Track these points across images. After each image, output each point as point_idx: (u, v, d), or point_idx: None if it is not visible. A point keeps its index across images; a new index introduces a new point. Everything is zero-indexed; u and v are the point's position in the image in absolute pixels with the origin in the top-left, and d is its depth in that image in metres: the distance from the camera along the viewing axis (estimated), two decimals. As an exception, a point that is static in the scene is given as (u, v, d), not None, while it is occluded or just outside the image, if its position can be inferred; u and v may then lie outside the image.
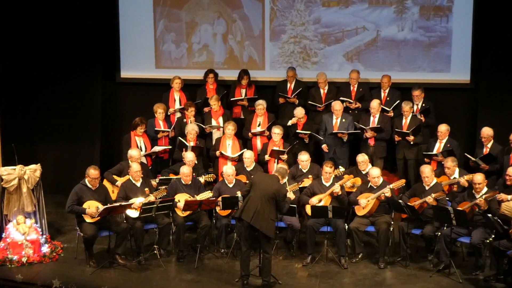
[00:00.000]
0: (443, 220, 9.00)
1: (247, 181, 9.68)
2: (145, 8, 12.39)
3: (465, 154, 10.32)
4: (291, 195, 9.52)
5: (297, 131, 10.99)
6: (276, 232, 9.74)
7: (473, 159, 10.11)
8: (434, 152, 10.39)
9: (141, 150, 10.82)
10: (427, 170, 9.47)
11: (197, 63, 12.45)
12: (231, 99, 11.70)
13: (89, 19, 12.10)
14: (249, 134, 11.18)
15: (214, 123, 11.27)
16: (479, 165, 9.99)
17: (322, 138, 11.00)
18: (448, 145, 10.36)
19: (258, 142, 11.17)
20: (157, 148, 10.97)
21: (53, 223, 10.56)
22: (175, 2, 12.34)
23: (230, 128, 10.76)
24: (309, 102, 11.48)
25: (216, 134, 11.28)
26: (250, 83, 11.80)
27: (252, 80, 11.90)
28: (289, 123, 11.12)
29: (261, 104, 11.19)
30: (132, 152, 10.27)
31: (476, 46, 11.56)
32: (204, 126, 11.18)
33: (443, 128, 10.44)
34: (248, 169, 10.29)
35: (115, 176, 10.26)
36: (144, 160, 10.79)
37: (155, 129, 11.17)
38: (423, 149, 10.73)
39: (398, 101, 11.15)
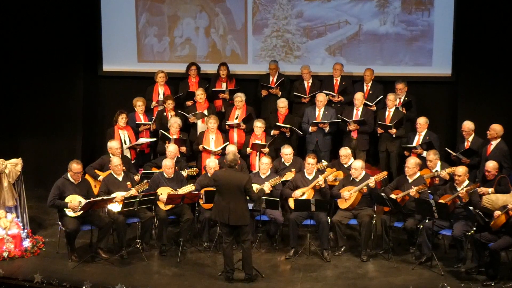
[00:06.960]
0: (425, 213, 9.06)
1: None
2: (127, 1, 12.32)
3: (446, 149, 10.38)
4: (266, 188, 9.49)
5: (277, 124, 10.97)
6: (259, 225, 9.77)
7: (453, 153, 10.17)
8: (414, 144, 10.45)
9: (125, 143, 10.78)
10: (411, 162, 9.53)
11: (179, 56, 12.40)
12: (212, 89, 11.65)
13: (71, 12, 12.02)
14: (226, 126, 11.15)
15: (198, 112, 11.25)
16: (460, 159, 10.06)
17: (301, 133, 11.00)
18: (427, 138, 10.43)
19: (235, 135, 11.13)
20: (141, 140, 10.92)
21: (34, 218, 10.49)
22: (157, -5, 12.32)
23: (212, 122, 10.73)
24: (294, 93, 11.48)
25: (200, 127, 11.24)
26: (230, 77, 11.78)
27: (235, 73, 11.89)
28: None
29: (239, 97, 11.15)
30: (112, 144, 10.21)
31: (458, 40, 11.61)
32: (187, 116, 11.13)
33: (422, 120, 10.50)
34: (231, 162, 10.26)
35: (97, 171, 10.19)
36: (128, 153, 10.74)
37: (136, 122, 11.12)
38: (403, 142, 10.80)
39: (381, 96, 11.19)
